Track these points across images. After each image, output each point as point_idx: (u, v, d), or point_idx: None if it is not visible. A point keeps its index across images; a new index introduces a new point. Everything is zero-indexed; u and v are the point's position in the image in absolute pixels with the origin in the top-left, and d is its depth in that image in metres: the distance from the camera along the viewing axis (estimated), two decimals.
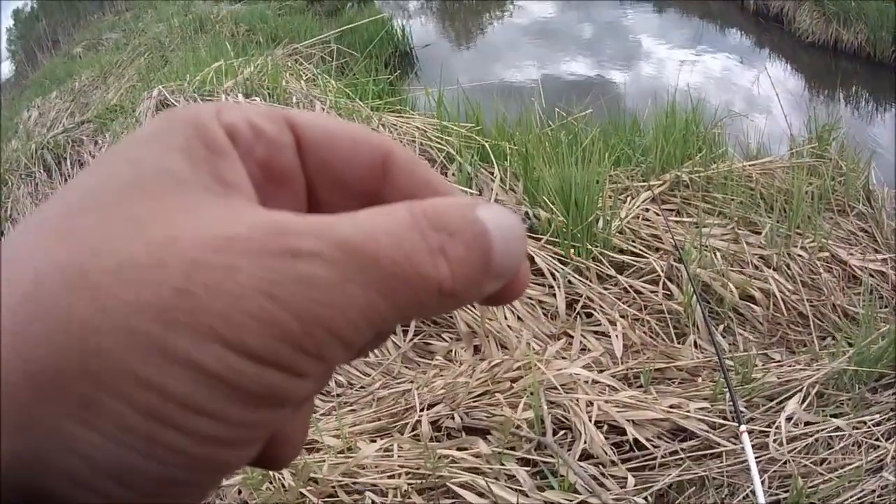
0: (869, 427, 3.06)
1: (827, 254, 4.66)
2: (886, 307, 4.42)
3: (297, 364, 0.28)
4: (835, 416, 3.15)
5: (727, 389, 3.00)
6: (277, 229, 0.28)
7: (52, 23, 17.85)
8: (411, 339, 3.82)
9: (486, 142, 4.85)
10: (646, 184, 5.04)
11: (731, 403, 3.00)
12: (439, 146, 4.88)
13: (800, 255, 4.52)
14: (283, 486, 2.71)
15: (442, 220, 0.31)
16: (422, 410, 3.08)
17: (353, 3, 13.42)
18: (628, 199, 4.88)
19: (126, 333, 0.25)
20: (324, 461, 2.80)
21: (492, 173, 4.71)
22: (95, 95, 8.37)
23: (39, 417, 0.25)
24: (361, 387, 3.60)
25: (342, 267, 0.28)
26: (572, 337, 3.79)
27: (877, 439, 3.00)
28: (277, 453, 0.35)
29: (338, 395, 3.56)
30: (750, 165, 5.37)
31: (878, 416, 3.13)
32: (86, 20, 17.55)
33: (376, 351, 3.81)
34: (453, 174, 4.66)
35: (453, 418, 3.02)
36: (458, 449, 2.83)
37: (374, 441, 2.95)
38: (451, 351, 3.74)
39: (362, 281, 0.28)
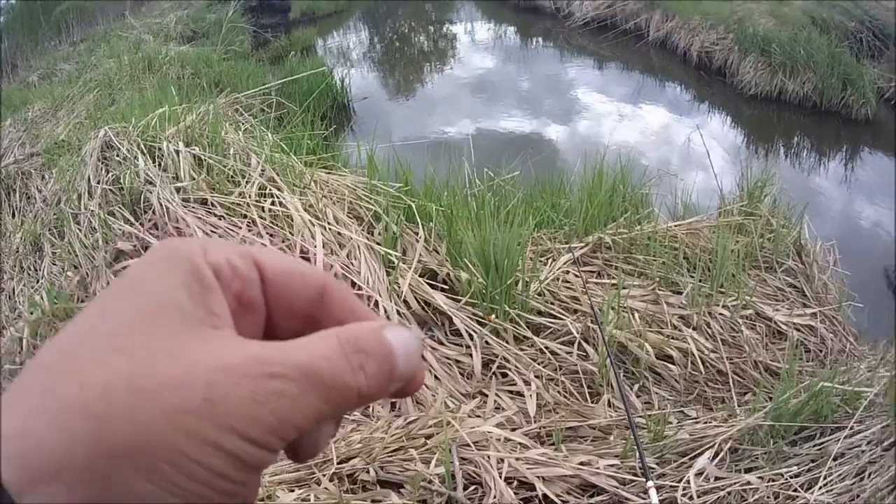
0: (786, 479, 3.20)
1: (751, 311, 4.84)
2: (813, 360, 4.61)
3: (273, 444, 0.46)
4: (749, 470, 3.29)
5: (636, 446, 3.16)
6: (259, 360, 0.46)
7: (13, 45, 17.76)
8: None
9: (413, 202, 4.99)
10: (567, 246, 5.19)
11: (640, 460, 3.13)
12: (368, 205, 5.02)
13: (721, 314, 4.68)
14: None
15: (360, 344, 0.50)
16: (339, 463, 3.22)
17: (295, 52, 13.44)
18: (550, 260, 5.02)
19: (175, 426, 0.42)
20: None
21: (417, 234, 4.83)
22: (46, 127, 8.38)
23: (111, 476, 0.40)
24: None
25: (300, 383, 0.46)
26: (487, 396, 3.94)
27: (794, 490, 3.15)
28: (302, 449, 0.55)
29: None
30: (675, 226, 5.54)
31: (795, 467, 3.28)
32: (43, 47, 17.50)
33: None
34: (380, 233, 4.78)
35: (368, 472, 3.15)
36: (372, 501, 2.99)
37: (293, 490, 3.08)
38: (369, 407, 3.87)
39: (312, 392, 0.47)
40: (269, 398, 0.45)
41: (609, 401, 4.00)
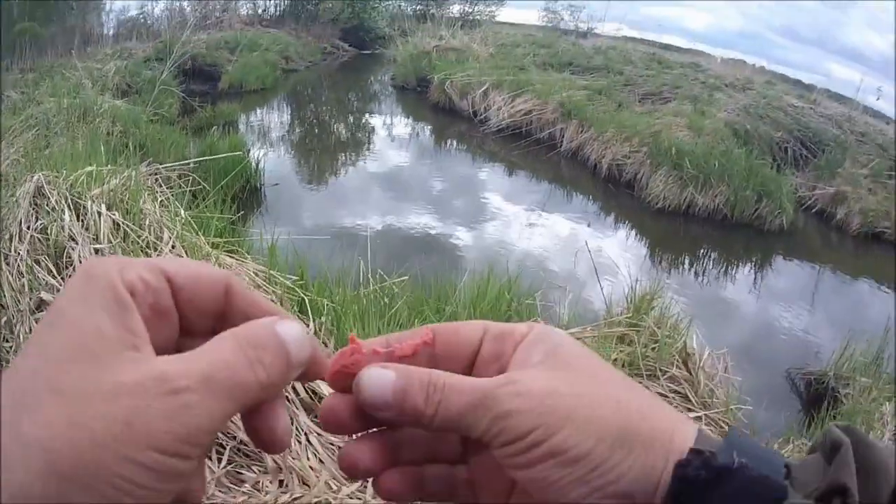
0: None
1: None
2: None
3: (188, 452, 0.52)
4: None
5: None
6: (165, 378, 0.53)
7: None
8: (224, 467, 4.06)
9: (307, 296, 5.15)
10: None
11: None
12: (265, 293, 5.06)
13: None
14: None
15: (256, 340, 0.58)
16: None
17: (218, 126, 13.30)
18: None
19: (104, 450, 0.49)
20: None
21: (308, 326, 4.89)
22: None
23: (62, 498, 0.49)
24: None
25: (202, 393, 0.53)
26: (367, 482, 4.05)
27: None
28: (268, 440, 0.64)
29: None
30: None
31: None
32: None
33: None
34: None
35: None
36: None
37: None
38: (259, 482, 4.02)
39: (216, 397, 0.54)
40: (178, 412, 0.53)
41: None
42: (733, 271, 11.15)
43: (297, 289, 5.20)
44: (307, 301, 5.10)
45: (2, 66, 15.29)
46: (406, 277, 6.06)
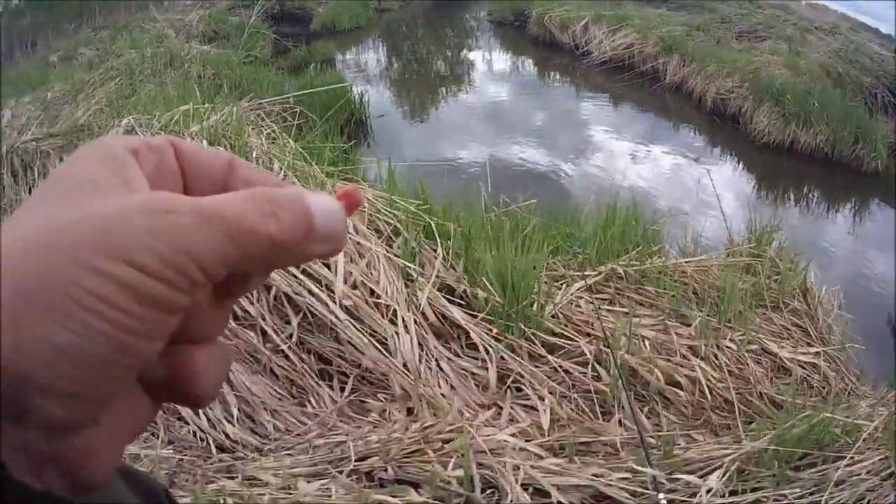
0: (790, 500, 3.28)
1: (756, 346, 4.92)
2: (816, 396, 4.68)
3: (170, 277, 0.45)
4: (755, 490, 3.37)
5: (647, 461, 3.24)
6: (157, 198, 0.46)
7: (35, 23, 17.66)
8: (347, 396, 4.05)
9: (432, 220, 5.06)
10: (581, 273, 5.30)
11: (652, 477, 3.24)
12: (387, 220, 5.06)
13: (728, 347, 4.77)
14: None
15: (273, 196, 0.50)
16: (357, 461, 3.29)
17: (315, 64, 13.31)
18: (564, 286, 5.12)
19: (73, 260, 0.42)
20: (265, 494, 3.02)
21: (435, 251, 4.91)
22: (65, 110, 8.29)
23: (22, 319, 0.41)
24: (298, 434, 3.81)
25: (196, 217, 0.46)
26: (502, 408, 4.03)
27: None
28: (192, 384, 0.52)
29: (275, 440, 3.76)
30: (685, 262, 5.64)
31: (799, 490, 3.34)
32: (64, 28, 17.40)
33: (313, 402, 4.03)
34: (398, 247, 4.86)
35: (386, 470, 3.22)
36: (392, 496, 3.05)
37: (310, 482, 3.15)
38: (386, 411, 3.96)
39: (211, 228, 0.46)
40: (164, 231, 0.45)
41: (620, 420, 4.06)
42: (834, 211, 10.93)
43: (421, 213, 5.12)
44: (433, 225, 5.02)
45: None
46: (534, 201, 5.96)
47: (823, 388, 4.85)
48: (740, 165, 12.07)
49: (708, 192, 9.08)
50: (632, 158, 11.50)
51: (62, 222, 0.45)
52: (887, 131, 13.18)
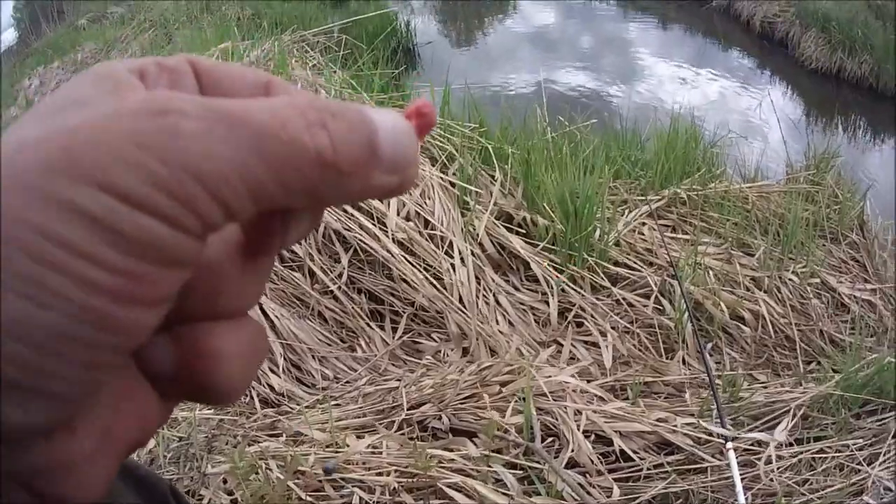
0: (852, 451, 3.12)
1: (818, 280, 4.73)
2: (872, 336, 4.48)
3: (176, 215, 0.31)
4: (818, 438, 3.21)
5: (715, 406, 3.05)
6: (155, 98, 0.32)
7: None
8: (400, 337, 3.85)
9: (489, 144, 4.88)
10: (644, 198, 5.11)
11: (718, 420, 3.05)
12: (441, 145, 4.87)
13: (791, 280, 4.58)
14: (269, 478, 2.71)
15: (325, 104, 0.35)
16: (409, 409, 3.10)
17: None
18: (626, 212, 4.94)
19: (23, 188, 0.29)
20: (310, 454, 2.82)
21: (493, 176, 4.74)
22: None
23: None
24: (347, 381, 3.63)
25: (208, 122, 0.31)
26: (562, 345, 3.83)
27: (858, 463, 3.06)
28: (210, 375, 0.37)
29: (323, 389, 3.57)
30: (748, 187, 5.45)
31: (861, 440, 3.19)
32: None
33: (363, 345, 3.82)
34: (454, 173, 4.68)
35: (440, 419, 3.04)
36: (446, 450, 2.86)
37: (361, 437, 2.97)
38: (440, 352, 3.76)
39: (230, 137, 0.32)
40: (157, 138, 0.31)
41: (684, 358, 3.90)
42: (880, 143, 10.64)
43: (477, 137, 4.95)
44: (491, 149, 4.84)
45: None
46: (595, 121, 5.79)
47: (878, 327, 4.67)
48: (789, 91, 11.90)
49: (760, 118, 8.91)
50: (682, 82, 11.40)
51: (23, 143, 0.31)
52: None
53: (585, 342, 3.92)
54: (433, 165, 4.69)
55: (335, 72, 5.61)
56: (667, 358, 3.93)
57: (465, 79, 7.60)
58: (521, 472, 2.84)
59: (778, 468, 3.01)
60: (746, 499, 2.65)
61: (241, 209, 0.32)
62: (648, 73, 11.88)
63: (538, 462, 2.84)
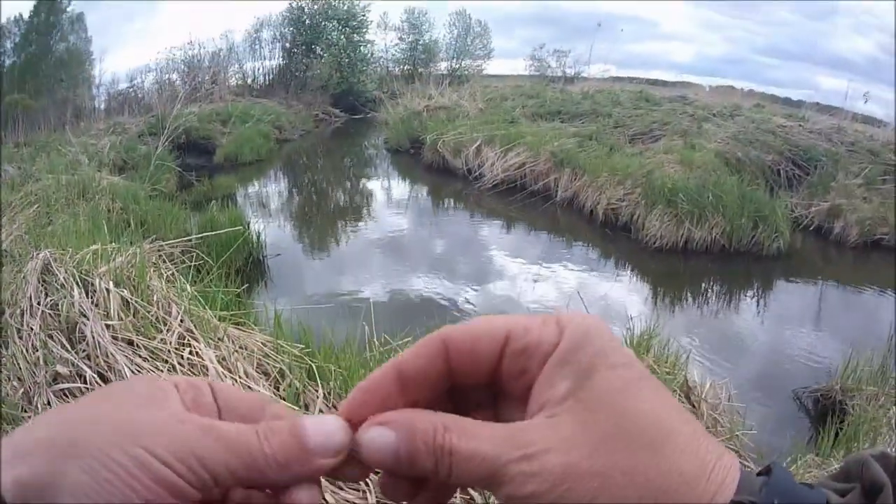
0: None
1: None
2: None
3: (179, 469, 0.54)
4: None
5: None
6: (180, 413, 0.58)
7: None
8: None
9: (314, 363, 5.28)
10: None
11: None
12: (274, 363, 5.27)
13: None
14: None
15: (268, 425, 0.60)
16: None
17: (216, 200, 13.32)
18: None
19: (104, 438, 0.54)
20: None
21: (317, 391, 5.08)
22: None
23: (56, 464, 0.52)
24: None
25: (206, 433, 0.57)
26: None
27: None
28: None
29: None
30: None
31: None
32: None
33: None
34: (284, 390, 5.02)
35: None
36: None
37: None
38: None
39: (217, 442, 0.57)
40: (174, 432, 0.56)
41: None
42: (736, 300, 11.23)
43: (304, 357, 5.39)
44: (314, 368, 5.26)
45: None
46: (409, 339, 6.16)
47: None
48: (635, 273, 12.49)
49: (605, 304, 9.32)
50: (534, 279, 11.69)
51: (114, 416, 0.58)
52: (792, 205, 13.90)
53: None
54: (267, 381, 5.08)
55: (185, 288, 5.96)
56: None
57: (309, 291, 7.80)
58: None
59: None
60: None
61: (224, 479, 0.57)
62: (500, 273, 12.39)
63: None
